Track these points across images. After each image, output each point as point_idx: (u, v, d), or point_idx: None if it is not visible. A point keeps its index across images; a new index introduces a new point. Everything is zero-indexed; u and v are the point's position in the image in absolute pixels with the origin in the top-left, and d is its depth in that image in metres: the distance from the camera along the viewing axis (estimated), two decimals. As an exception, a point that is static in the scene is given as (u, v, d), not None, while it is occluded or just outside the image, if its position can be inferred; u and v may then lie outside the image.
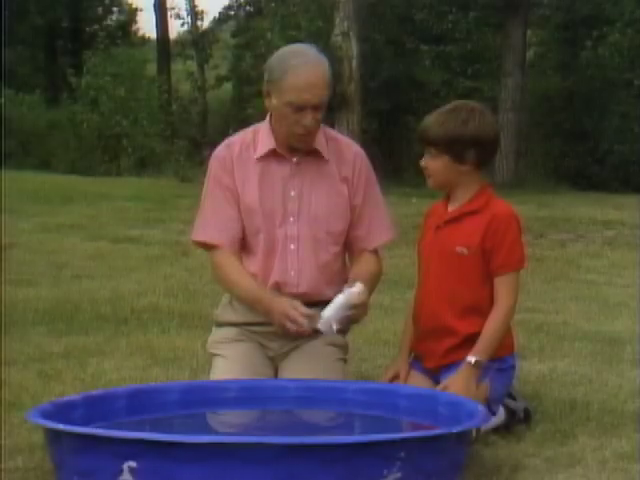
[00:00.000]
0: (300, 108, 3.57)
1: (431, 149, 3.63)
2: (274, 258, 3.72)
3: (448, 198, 3.73)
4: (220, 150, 3.80)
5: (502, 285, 3.60)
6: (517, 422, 3.71)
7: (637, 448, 3.46)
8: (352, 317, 3.60)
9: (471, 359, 3.52)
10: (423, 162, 3.68)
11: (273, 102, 3.64)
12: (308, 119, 3.59)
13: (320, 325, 3.52)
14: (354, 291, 3.53)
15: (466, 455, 3.09)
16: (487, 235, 3.59)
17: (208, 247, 3.79)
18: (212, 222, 3.75)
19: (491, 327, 3.56)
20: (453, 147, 3.58)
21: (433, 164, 3.64)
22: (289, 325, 3.55)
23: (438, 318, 3.65)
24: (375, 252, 3.86)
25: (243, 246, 3.76)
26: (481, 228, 3.60)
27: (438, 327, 3.65)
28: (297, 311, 3.53)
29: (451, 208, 3.71)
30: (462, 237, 3.63)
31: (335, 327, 3.53)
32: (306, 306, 3.65)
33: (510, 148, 17.88)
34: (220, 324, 3.89)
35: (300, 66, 3.57)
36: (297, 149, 3.72)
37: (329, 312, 3.52)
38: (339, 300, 3.53)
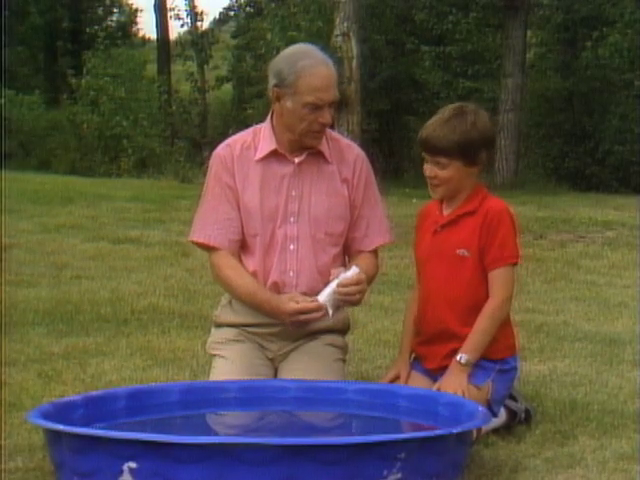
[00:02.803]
0: (318, 107, 3.60)
1: (440, 158, 3.55)
2: (273, 258, 3.71)
3: (442, 200, 3.70)
4: (221, 149, 3.80)
5: (495, 280, 3.56)
6: (518, 423, 3.71)
7: (637, 449, 3.46)
8: (349, 298, 3.57)
9: (459, 358, 3.51)
10: (431, 172, 3.59)
11: (287, 105, 3.64)
12: (326, 116, 3.63)
13: None
14: (348, 275, 3.53)
15: (466, 456, 3.09)
16: (482, 233, 3.57)
17: (207, 248, 3.79)
18: (211, 222, 3.74)
19: (480, 323, 3.53)
20: (466, 151, 3.54)
21: (445, 173, 3.57)
22: (303, 317, 3.55)
23: (442, 322, 3.63)
24: (374, 251, 3.86)
25: (242, 246, 3.76)
26: (477, 228, 3.58)
27: (443, 331, 3.63)
28: (304, 302, 3.55)
29: (447, 211, 3.68)
30: (461, 239, 3.61)
31: (331, 312, 3.53)
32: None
33: (510, 149, 17.84)
34: (219, 325, 3.88)
35: (313, 67, 3.60)
36: (303, 148, 3.71)
37: (323, 297, 3.52)
38: (334, 284, 3.53)
